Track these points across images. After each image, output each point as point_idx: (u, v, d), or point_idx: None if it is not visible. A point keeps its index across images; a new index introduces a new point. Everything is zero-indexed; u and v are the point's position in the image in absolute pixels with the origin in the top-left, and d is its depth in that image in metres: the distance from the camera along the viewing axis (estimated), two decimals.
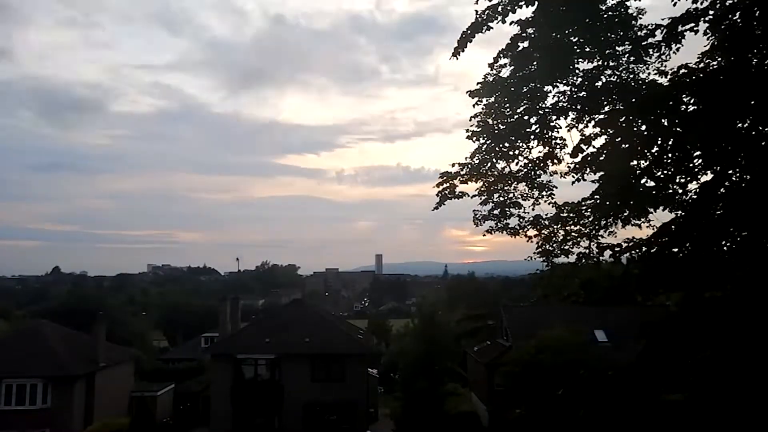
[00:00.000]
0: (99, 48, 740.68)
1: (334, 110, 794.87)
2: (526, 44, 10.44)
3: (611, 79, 10.89)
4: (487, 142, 11.66)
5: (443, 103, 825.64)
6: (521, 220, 12.53)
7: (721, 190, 10.13)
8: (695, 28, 9.44)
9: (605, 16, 10.25)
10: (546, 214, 12.37)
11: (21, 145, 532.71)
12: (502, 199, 12.47)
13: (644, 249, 11.00)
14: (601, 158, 10.98)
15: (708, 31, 9.65)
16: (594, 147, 11.33)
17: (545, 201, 12.41)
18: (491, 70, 10.96)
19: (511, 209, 12.48)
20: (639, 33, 10.33)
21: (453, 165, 12.16)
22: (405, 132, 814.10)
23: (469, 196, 12.43)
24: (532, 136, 11.66)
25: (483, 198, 12.45)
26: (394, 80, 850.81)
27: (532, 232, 12.55)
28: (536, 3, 9.95)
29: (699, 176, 10.16)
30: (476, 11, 10.18)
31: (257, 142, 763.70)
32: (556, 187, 12.48)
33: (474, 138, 11.68)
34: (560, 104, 11.28)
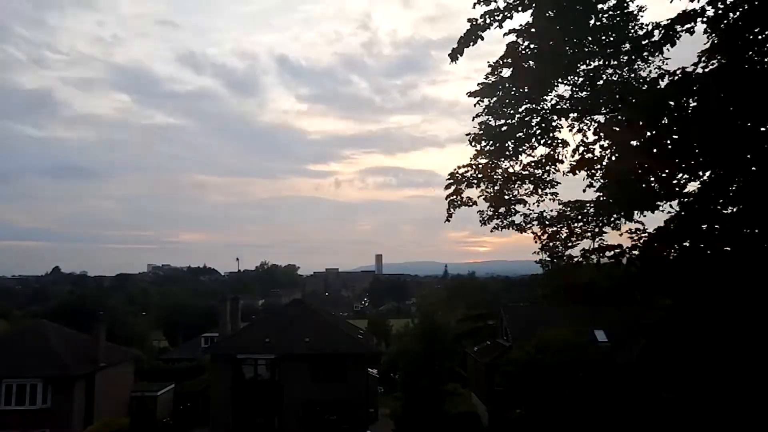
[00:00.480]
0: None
1: (336, 129, 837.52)
2: (524, 47, 10.44)
3: (612, 79, 10.89)
4: (490, 143, 11.67)
5: (434, 124, 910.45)
6: (526, 217, 12.54)
7: (721, 190, 10.14)
8: (693, 28, 9.45)
9: (605, 16, 10.26)
10: (550, 210, 12.41)
11: (26, 149, 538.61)
12: (507, 197, 12.47)
13: (644, 249, 11.00)
14: (602, 158, 11.00)
15: (707, 30, 9.66)
16: (594, 148, 11.36)
17: (549, 199, 12.43)
18: (492, 71, 10.96)
19: (515, 207, 12.49)
20: (639, 33, 10.34)
21: (459, 167, 12.15)
22: (403, 146, 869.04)
23: (476, 204, 12.42)
24: (534, 137, 11.67)
25: (490, 203, 12.43)
26: (386, 108, 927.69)
27: (537, 229, 12.56)
28: (534, 5, 9.94)
29: (699, 176, 10.17)
30: (472, 18, 10.14)
31: (263, 151, 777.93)
32: (559, 183, 12.50)
33: (476, 139, 11.68)
34: (561, 105, 11.29)
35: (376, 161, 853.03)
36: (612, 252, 11.39)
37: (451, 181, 12.17)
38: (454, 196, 12.19)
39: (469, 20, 10.12)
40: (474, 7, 10.08)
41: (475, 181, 12.11)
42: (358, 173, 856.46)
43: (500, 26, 10.08)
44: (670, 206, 10.59)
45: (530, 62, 10.60)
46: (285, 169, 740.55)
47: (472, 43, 10.27)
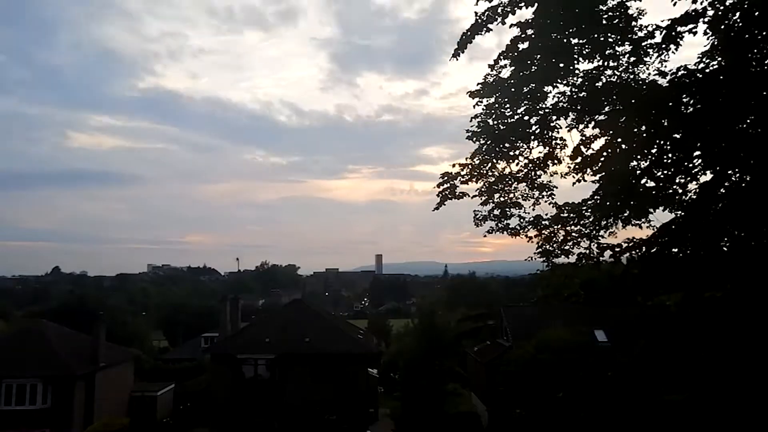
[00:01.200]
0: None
1: (338, 149, 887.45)
2: (526, 45, 10.45)
3: (611, 79, 10.88)
4: (488, 143, 11.66)
5: (422, 148, 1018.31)
6: (521, 220, 12.52)
7: (721, 190, 10.14)
8: (694, 29, 9.45)
9: (605, 17, 10.26)
10: (546, 214, 12.37)
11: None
12: (502, 199, 12.45)
13: (644, 249, 11.00)
14: (602, 159, 10.99)
15: (708, 31, 9.66)
16: (594, 148, 11.36)
17: (545, 201, 12.41)
18: (491, 71, 10.97)
19: (511, 209, 12.46)
20: (639, 34, 10.33)
21: (453, 165, 12.18)
22: (401, 163, 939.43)
23: (469, 196, 12.43)
24: (533, 137, 11.66)
25: (483, 198, 12.44)
26: (377, 137, 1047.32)
27: (532, 233, 12.53)
28: (536, 4, 9.96)
29: (699, 176, 10.17)
30: (476, 12, 10.21)
31: (267, 161, 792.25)
32: (557, 187, 12.48)
33: (474, 138, 11.68)
34: (560, 105, 11.27)
35: (377, 168, 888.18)
36: (612, 251, 11.39)
37: (445, 179, 12.21)
38: (447, 192, 12.23)
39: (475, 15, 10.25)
40: (477, 3, 10.16)
41: (470, 179, 12.12)
42: (359, 177, 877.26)
43: (502, 23, 10.12)
44: (669, 211, 10.60)
45: (530, 60, 10.61)
46: (289, 176, 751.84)
47: (474, 39, 10.37)
